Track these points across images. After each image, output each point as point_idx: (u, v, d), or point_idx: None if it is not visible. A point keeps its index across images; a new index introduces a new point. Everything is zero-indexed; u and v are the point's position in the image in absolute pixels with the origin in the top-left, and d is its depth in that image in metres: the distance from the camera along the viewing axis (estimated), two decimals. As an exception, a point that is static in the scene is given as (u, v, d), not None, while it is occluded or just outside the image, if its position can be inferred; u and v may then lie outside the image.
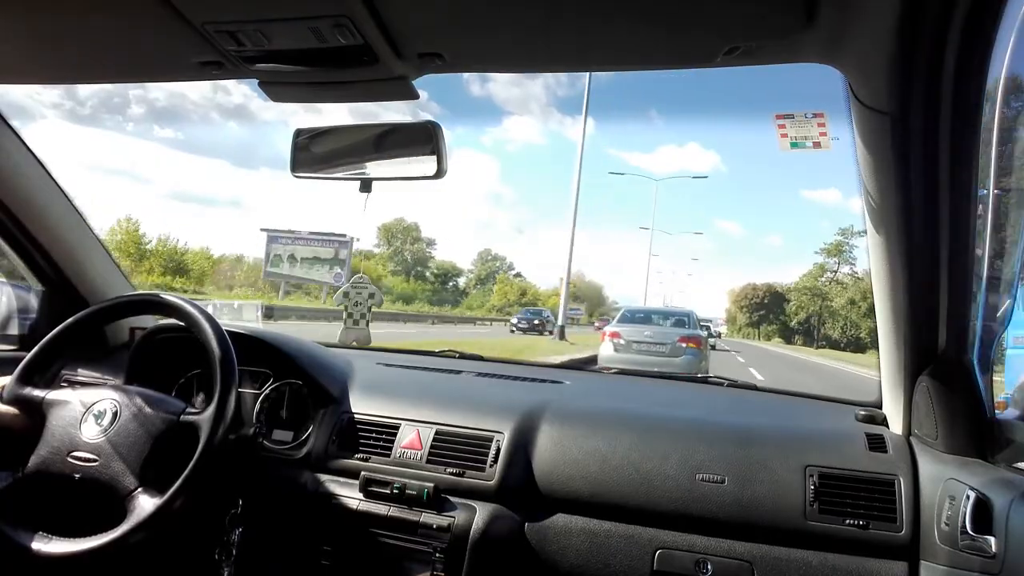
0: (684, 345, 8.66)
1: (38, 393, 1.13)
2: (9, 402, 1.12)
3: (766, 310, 60.08)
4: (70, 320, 1.19)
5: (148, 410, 1.10)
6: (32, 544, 1.02)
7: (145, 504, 1.02)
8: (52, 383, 1.18)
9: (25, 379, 1.14)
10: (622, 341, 8.79)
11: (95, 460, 1.05)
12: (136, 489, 1.03)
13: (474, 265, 63.75)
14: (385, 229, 59.70)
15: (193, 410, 1.11)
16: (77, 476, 1.05)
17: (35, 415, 1.11)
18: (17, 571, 1.09)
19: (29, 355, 1.16)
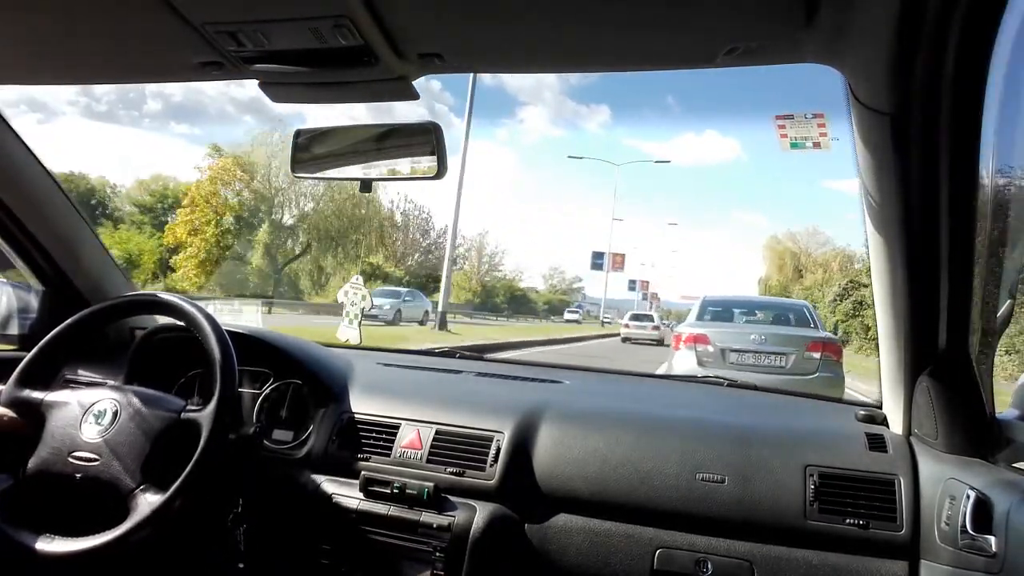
0: (816, 356, 5.61)
1: (37, 395, 1.12)
2: (7, 404, 1.12)
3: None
4: (69, 321, 1.19)
5: (148, 409, 1.10)
6: (34, 544, 1.02)
7: (148, 502, 1.02)
8: (51, 385, 1.17)
9: (23, 381, 1.14)
10: (711, 349, 5.79)
11: (96, 460, 1.05)
12: (138, 487, 1.03)
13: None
14: None
15: (193, 407, 1.11)
16: (78, 476, 1.05)
17: (34, 417, 1.11)
18: (19, 571, 1.09)
19: (27, 358, 1.16)
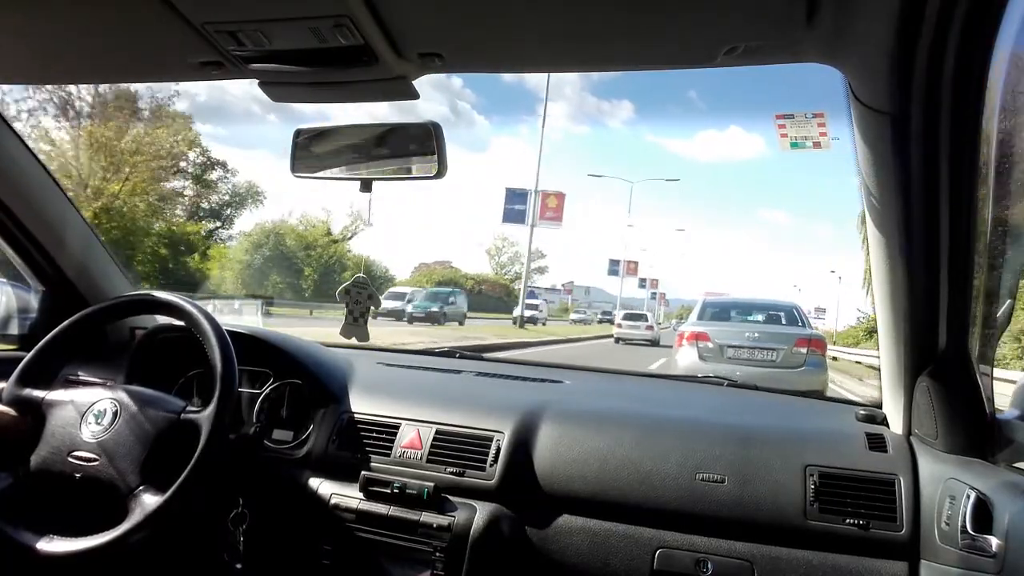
0: (803, 351, 6.18)
1: (37, 394, 1.12)
2: (8, 403, 1.12)
3: None
4: (69, 320, 1.19)
5: (148, 409, 1.10)
6: (33, 543, 1.02)
7: (147, 502, 1.02)
8: (52, 384, 1.17)
9: (24, 380, 1.14)
10: (711, 345, 6.44)
11: (96, 460, 1.05)
12: (138, 488, 1.03)
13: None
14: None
15: (193, 408, 1.11)
16: (78, 476, 1.05)
17: (34, 416, 1.11)
18: (18, 571, 1.08)
19: (28, 356, 1.16)
